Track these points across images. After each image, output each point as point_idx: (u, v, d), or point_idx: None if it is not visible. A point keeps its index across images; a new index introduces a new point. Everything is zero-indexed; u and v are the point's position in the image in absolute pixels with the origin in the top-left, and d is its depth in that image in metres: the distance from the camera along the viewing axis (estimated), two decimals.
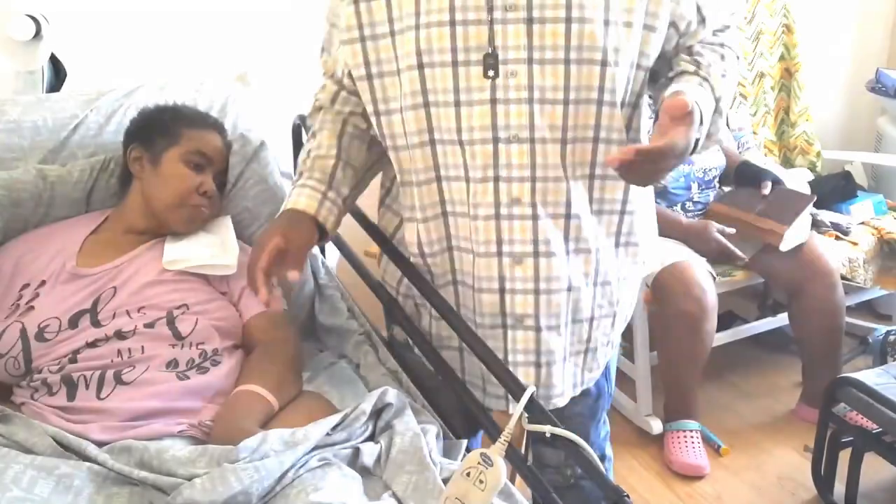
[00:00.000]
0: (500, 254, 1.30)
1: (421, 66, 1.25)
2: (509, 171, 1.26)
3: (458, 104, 1.25)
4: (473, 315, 1.36)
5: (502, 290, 1.31)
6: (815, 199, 2.58)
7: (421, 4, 1.23)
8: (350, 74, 1.34)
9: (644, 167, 1.15)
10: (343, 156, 1.39)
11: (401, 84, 1.28)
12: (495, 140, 1.25)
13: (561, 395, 1.38)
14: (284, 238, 1.28)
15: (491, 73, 1.22)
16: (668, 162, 1.16)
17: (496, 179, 1.27)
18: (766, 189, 2.56)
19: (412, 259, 1.41)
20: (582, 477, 1.49)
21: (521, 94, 1.23)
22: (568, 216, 1.29)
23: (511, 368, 1.32)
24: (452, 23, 1.22)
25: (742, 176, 2.67)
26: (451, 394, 1.42)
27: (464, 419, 1.45)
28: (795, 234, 2.46)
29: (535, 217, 1.28)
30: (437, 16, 1.22)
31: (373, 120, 1.35)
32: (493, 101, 1.23)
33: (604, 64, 1.23)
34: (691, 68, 1.31)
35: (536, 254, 1.29)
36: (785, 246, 2.44)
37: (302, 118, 1.92)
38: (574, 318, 1.36)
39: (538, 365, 1.34)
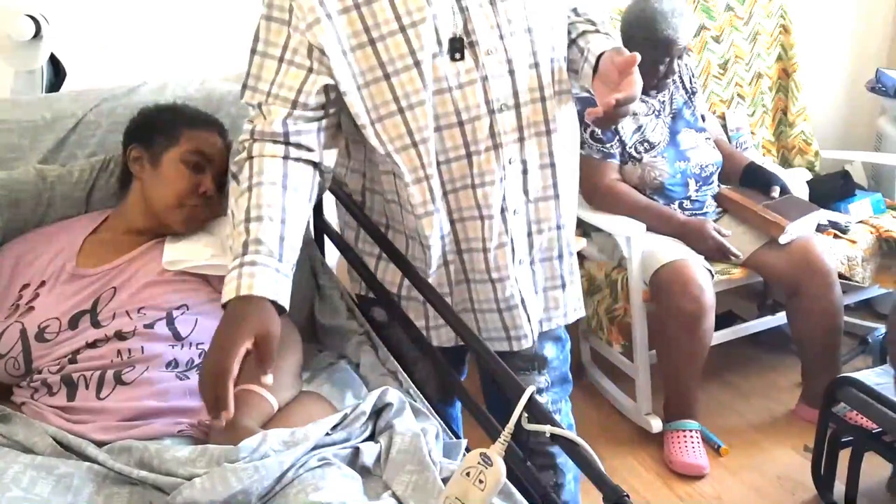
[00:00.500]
0: (503, 210, 1.44)
1: (417, 64, 1.32)
2: (504, 138, 1.41)
3: (450, 90, 1.36)
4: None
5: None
6: (820, 211, 2.62)
7: (398, 7, 1.31)
8: (335, 88, 1.33)
9: (617, 112, 1.33)
10: (289, 216, 1.28)
11: (403, 83, 1.32)
12: (490, 113, 1.38)
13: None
14: (252, 338, 1.17)
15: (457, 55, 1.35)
16: (630, 107, 1.36)
17: (496, 147, 1.40)
18: (775, 193, 2.60)
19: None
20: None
21: (503, 68, 1.38)
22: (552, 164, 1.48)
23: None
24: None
25: (750, 178, 2.68)
26: (428, 363, 1.54)
27: (438, 385, 1.59)
28: (797, 230, 2.47)
29: (524, 172, 1.45)
30: (418, 14, 1.31)
31: (369, 129, 1.36)
32: (483, 79, 1.36)
33: (551, 28, 1.43)
34: (591, 27, 1.49)
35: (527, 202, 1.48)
36: (784, 239, 2.46)
37: None
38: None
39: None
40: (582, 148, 2.47)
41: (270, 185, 1.29)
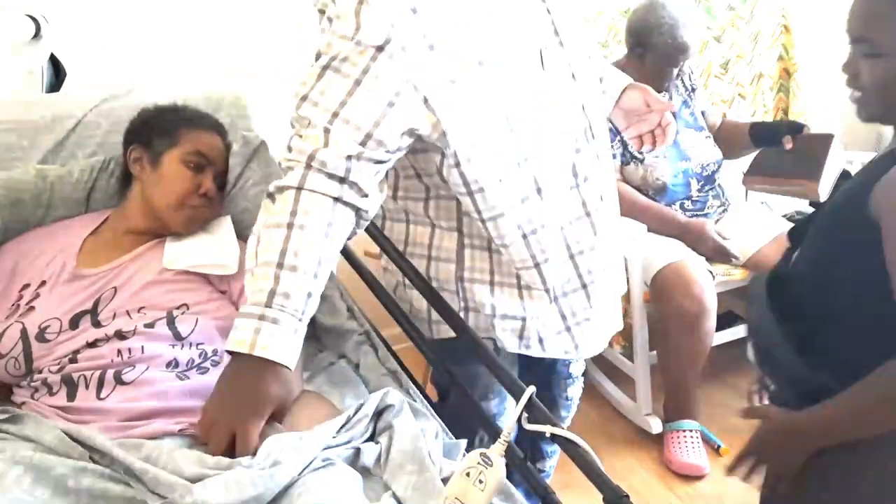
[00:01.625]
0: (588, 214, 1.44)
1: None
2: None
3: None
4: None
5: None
6: (834, 136, 2.44)
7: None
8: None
9: None
10: (321, 270, 1.21)
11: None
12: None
13: None
14: (273, 410, 1.19)
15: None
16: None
17: (577, 151, 1.42)
18: (789, 145, 2.44)
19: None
20: None
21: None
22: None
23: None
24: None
25: (759, 138, 2.58)
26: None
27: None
28: (828, 180, 2.34)
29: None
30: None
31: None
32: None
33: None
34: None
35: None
36: (824, 195, 2.32)
37: None
38: None
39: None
40: None
41: (313, 230, 1.18)
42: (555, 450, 1.77)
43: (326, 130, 1.19)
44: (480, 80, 1.26)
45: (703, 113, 2.68)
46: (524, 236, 1.38)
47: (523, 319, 1.45)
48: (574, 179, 1.41)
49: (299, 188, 1.18)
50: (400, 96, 1.21)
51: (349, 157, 1.19)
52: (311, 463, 1.19)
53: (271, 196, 1.21)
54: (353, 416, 1.28)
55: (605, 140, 1.49)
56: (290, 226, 1.17)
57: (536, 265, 1.40)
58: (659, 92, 2.51)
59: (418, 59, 1.21)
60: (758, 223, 2.65)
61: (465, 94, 1.26)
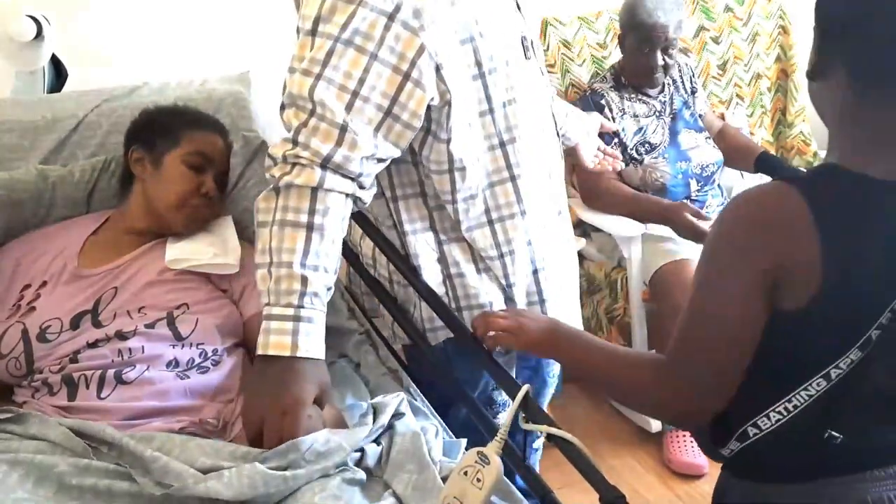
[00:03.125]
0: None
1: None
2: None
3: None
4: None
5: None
6: None
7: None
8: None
9: None
10: (338, 265, 1.23)
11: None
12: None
13: None
14: (316, 395, 1.19)
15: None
16: None
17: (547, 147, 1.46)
18: None
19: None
20: None
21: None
22: None
23: None
24: None
25: (764, 169, 2.62)
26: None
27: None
28: None
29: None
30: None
31: (499, 151, 1.35)
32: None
33: None
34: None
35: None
36: None
37: None
38: None
39: None
40: None
41: (333, 230, 1.18)
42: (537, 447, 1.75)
43: (344, 128, 1.16)
44: (477, 54, 1.27)
45: (700, 116, 2.68)
46: (490, 222, 1.38)
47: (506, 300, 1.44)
48: (546, 175, 1.44)
49: (317, 188, 1.16)
50: (416, 67, 1.19)
51: (364, 159, 1.19)
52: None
53: (278, 191, 1.18)
54: (374, 426, 1.28)
55: (559, 152, 1.52)
56: (310, 226, 1.16)
57: (500, 256, 1.39)
58: (651, 86, 2.53)
59: (433, 20, 1.19)
60: None
61: (466, 64, 1.26)
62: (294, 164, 1.17)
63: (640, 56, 2.48)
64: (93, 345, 1.40)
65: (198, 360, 1.44)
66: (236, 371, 1.47)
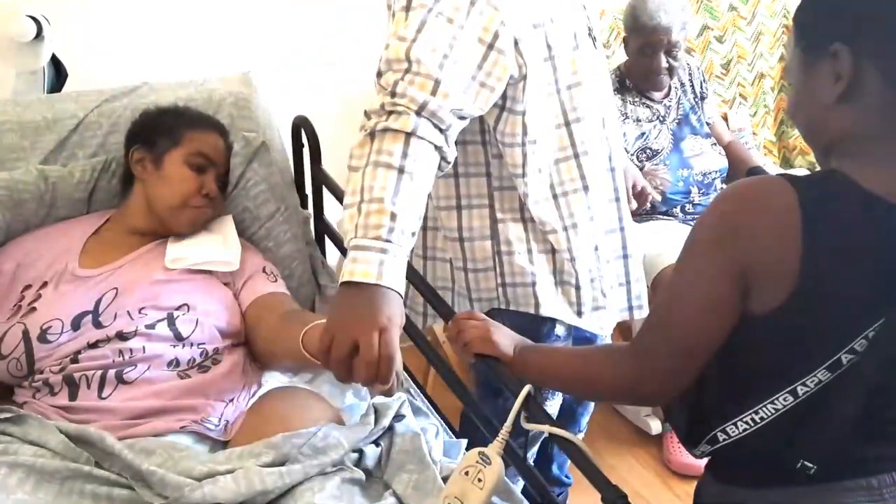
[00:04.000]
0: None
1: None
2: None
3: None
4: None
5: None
6: None
7: None
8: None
9: None
10: (422, 214, 1.24)
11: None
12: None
13: None
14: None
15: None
16: None
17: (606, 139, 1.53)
18: None
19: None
20: None
21: None
22: None
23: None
24: None
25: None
26: None
27: None
28: None
29: None
30: None
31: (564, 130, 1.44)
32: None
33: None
34: None
35: None
36: None
37: (302, 119, 1.92)
38: None
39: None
40: None
41: (422, 177, 1.22)
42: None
43: (438, 81, 1.22)
44: (547, 38, 1.37)
45: (708, 123, 2.66)
46: (555, 197, 1.45)
47: (557, 283, 1.50)
48: (609, 162, 1.51)
49: (411, 134, 1.20)
50: (498, 38, 1.28)
51: (452, 111, 1.24)
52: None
53: (372, 135, 1.22)
54: (374, 428, 1.28)
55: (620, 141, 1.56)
56: (401, 169, 1.19)
57: (564, 229, 1.46)
58: (656, 88, 2.52)
59: (511, 1, 1.29)
60: None
61: (539, 45, 1.36)
62: (391, 112, 1.21)
63: (644, 59, 2.46)
64: (93, 345, 1.40)
65: (198, 360, 1.44)
66: (237, 370, 1.47)
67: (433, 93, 1.21)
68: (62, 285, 1.47)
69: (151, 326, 1.43)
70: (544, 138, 1.42)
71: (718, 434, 1.00)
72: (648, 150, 2.50)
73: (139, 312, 1.45)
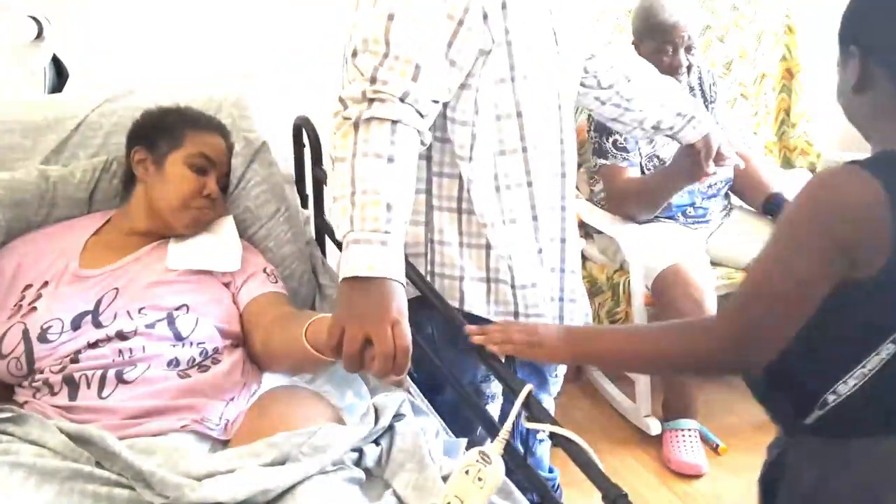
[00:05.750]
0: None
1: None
2: None
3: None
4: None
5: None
6: None
7: None
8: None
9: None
10: (411, 198, 1.27)
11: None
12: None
13: None
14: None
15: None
16: None
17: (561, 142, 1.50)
18: None
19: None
20: None
21: None
22: None
23: None
24: None
25: (773, 211, 2.55)
26: None
27: None
28: None
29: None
30: None
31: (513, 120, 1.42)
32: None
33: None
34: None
35: None
36: None
37: (303, 119, 1.92)
38: None
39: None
40: (605, 157, 2.47)
41: (410, 164, 1.24)
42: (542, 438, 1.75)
43: (418, 67, 1.24)
44: (507, 20, 1.35)
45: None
46: (497, 189, 1.42)
47: (488, 280, 1.46)
48: (561, 167, 1.47)
49: (396, 122, 1.22)
50: (467, 14, 1.29)
51: (432, 99, 1.27)
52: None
53: (356, 125, 1.22)
54: (374, 427, 1.28)
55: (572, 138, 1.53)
56: (390, 159, 1.20)
57: (503, 223, 1.43)
58: None
59: None
60: (759, 227, 2.64)
61: (501, 26, 1.34)
62: (373, 100, 1.22)
63: (663, 58, 2.41)
64: (93, 345, 1.40)
65: (198, 359, 1.44)
66: (237, 370, 1.47)
67: (414, 79, 1.23)
68: (63, 285, 1.47)
69: (151, 326, 1.43)
70: (493, 124, 1.39)
71: (829, 396, 1.10)
72: (656, 158, 2.50)
73: (139, 312, 1.45)
